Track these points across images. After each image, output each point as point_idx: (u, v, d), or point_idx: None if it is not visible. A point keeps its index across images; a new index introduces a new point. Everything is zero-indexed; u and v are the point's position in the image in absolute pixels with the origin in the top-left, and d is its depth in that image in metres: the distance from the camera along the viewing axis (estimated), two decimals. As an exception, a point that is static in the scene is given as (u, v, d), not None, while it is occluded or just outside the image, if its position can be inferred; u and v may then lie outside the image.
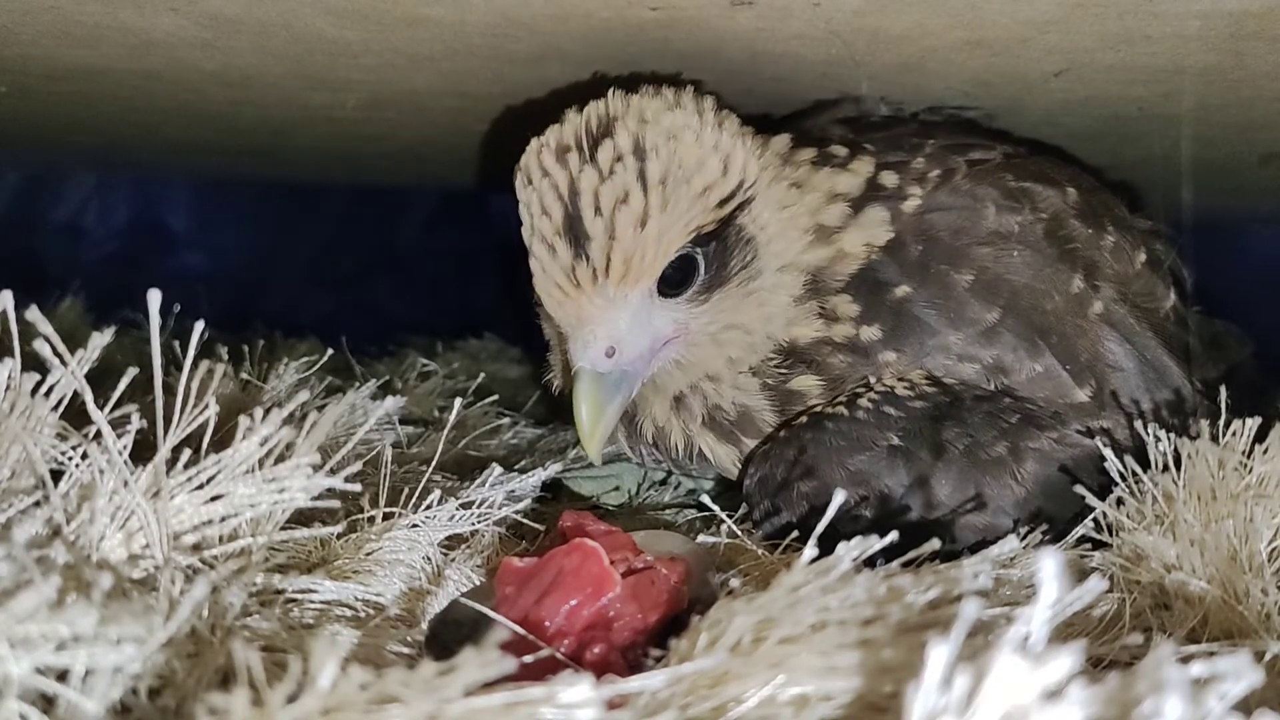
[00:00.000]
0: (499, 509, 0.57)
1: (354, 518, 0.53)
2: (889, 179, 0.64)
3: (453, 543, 0.55)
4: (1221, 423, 0.53)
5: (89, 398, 0.42)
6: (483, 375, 0.90)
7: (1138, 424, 0.58)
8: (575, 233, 0.56)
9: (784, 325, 0.63)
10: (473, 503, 0.56)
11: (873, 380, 0.62)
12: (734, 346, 0.62)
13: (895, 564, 0.42)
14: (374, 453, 0.60)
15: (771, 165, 0.63)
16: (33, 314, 0.41)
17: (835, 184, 0.64)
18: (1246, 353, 0.79)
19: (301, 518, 0.47)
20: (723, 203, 0.59)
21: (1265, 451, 0.52)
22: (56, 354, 0.42)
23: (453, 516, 0.54)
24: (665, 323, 0.60)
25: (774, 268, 0.62)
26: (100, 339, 0.43)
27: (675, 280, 0.59)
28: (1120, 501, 0.54)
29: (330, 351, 0.83)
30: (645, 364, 0.60)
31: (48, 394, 0.43)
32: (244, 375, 0.74)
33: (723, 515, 0.57)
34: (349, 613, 0.47)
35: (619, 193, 0.56)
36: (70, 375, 0.42)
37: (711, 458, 0.64)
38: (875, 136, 0.68)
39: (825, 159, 0.65)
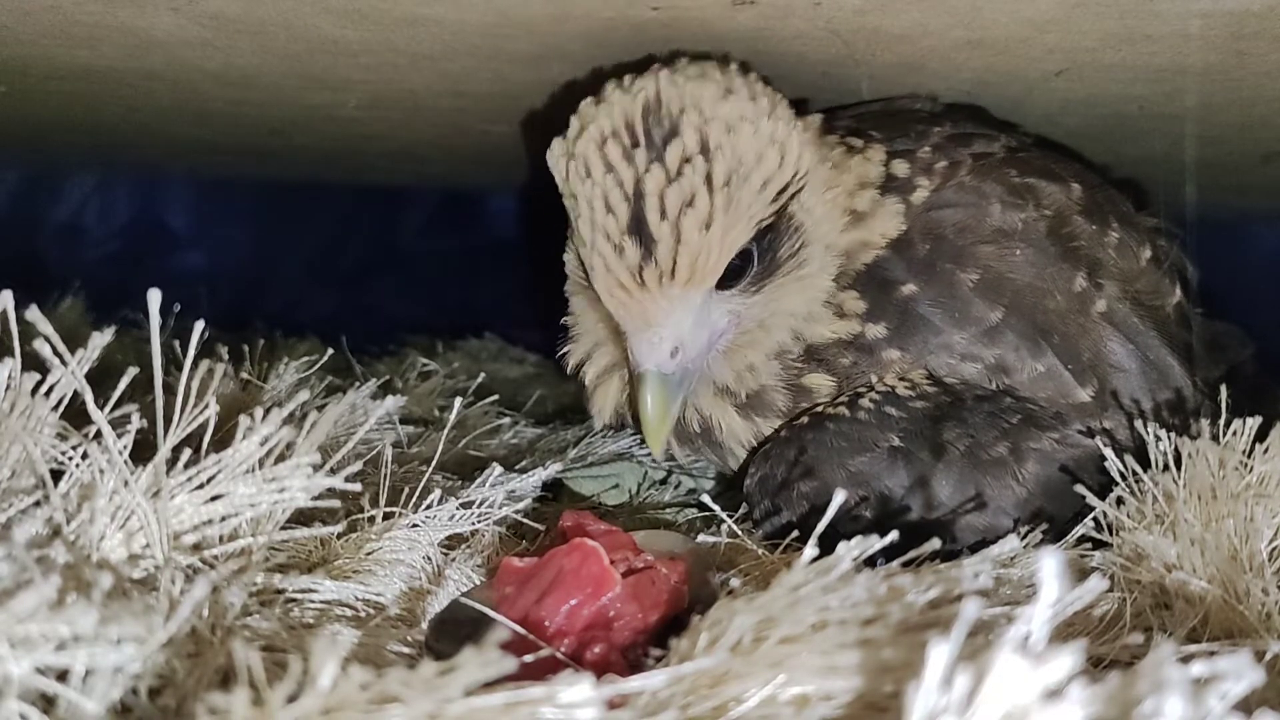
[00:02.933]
0: (499, 509, 0.57)
1: (354, 517, 0.53)
2: (900, 168, 0.64)
3: (453, 542, 0.55)
4: (1222, 422, 0.53)
5: (89, 397, 0.42)
6: (483, 375, 0.90)
7: (1139, 424, 0.58)
8: (643, 234, 0.55)
9: (820, 305, 0.62)
10: (473, 502, 0.56)
11: (874, 380, 0.62)
12: (780, 332, 0.62)
13: (895, 564, 0.42)
14: (374, 452, 0.60)
15: (813, 146, 0.62)
16: (33, 314, 0.41)
17: (864, 172, 0.64)
18: (1248, 353, 0.79)
19: (302, 517, 0.47)
20: (778, 195, 0.58)
21: (1266, 451, 0.52)
22: (56, 354, 0.42)
23: (453, 516, 0.54)
24: (720, 316, 0.60)
25: (819, 251, 0.62)
26: (100, 339, 0.43)
27: (733, 273, 0.59)
28: (1121, 501, 0.54)
29: (330, 351, 0.82)
30: (703, 359, 0.61)
31: (48, 394, 0.43)
32: (244, 375, 0.73)
33: (723, 515, 0.57)
34: (349, 612, 0.47)
35: (686, 196, 0.54)
36: (70, 375, 0.42)
37: (726, 433, 0.64)
38: (881, 123, 0.68)
39: (850, 148, 0.64)
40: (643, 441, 0.77)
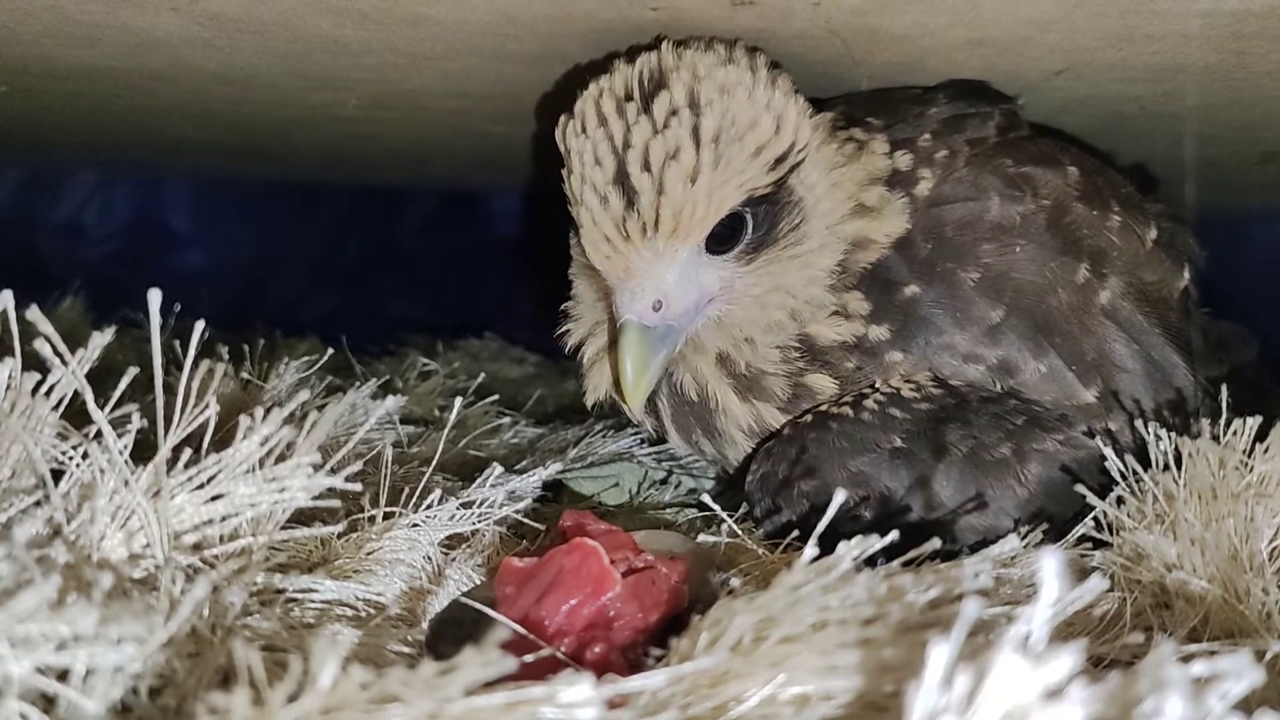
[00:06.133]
0: (499, 509, 0.57)
1: (354, 517, 0.53)
2: (904, 161, 0.64)
3: (453, 542, 0.55)
4: (1223, 422, 0.53)
5: (89, 397, 0.42)
6: (483, 375, 0.90)
7: (1140, 423, 0.58)
8: (625, 185, 0.56)
9: (823, 290, 0.62)
10: (473, 502, 0.56)
11: (879, 381, 0.61)
12: (776, 309, 0.62)
13: (896, 563, 0.42)
14: (374, 452, 0.60)
15: (822, 127, 0.62)
16: (33, 313, 0.41)
17: (873, 166, 0.63)
18: (1252, 353, 0.78)
19: (302, 517, 0.47)
20: (776, 164, 0.58)
21: (1266, 451, 0.52)
22: (57, 353, 0.42)
23: (453, 516, 0.54)
24: (712, 280, 0.60)
25: (819, 231, 0.61)
26: (101, 338, 0.43)
27: (723, 237, 0.59)
28: (1121, 500, 0.54)
29: (330, 351, 0.82)
30: (690, 320, 0.60)
31: (48, 393, 0.43)
32: (244, 375, 0.73)
33: (723, 514, 0.57)
34: (350, 612, 0.47)
35: (670, 148, 0.55)
36: (70, 375, 0.42)
37: (723, 412, 0.63)
38: (875, 108, 0.67)
39: (856, 141, 0.64)
40: (643, 442, 0.78)
